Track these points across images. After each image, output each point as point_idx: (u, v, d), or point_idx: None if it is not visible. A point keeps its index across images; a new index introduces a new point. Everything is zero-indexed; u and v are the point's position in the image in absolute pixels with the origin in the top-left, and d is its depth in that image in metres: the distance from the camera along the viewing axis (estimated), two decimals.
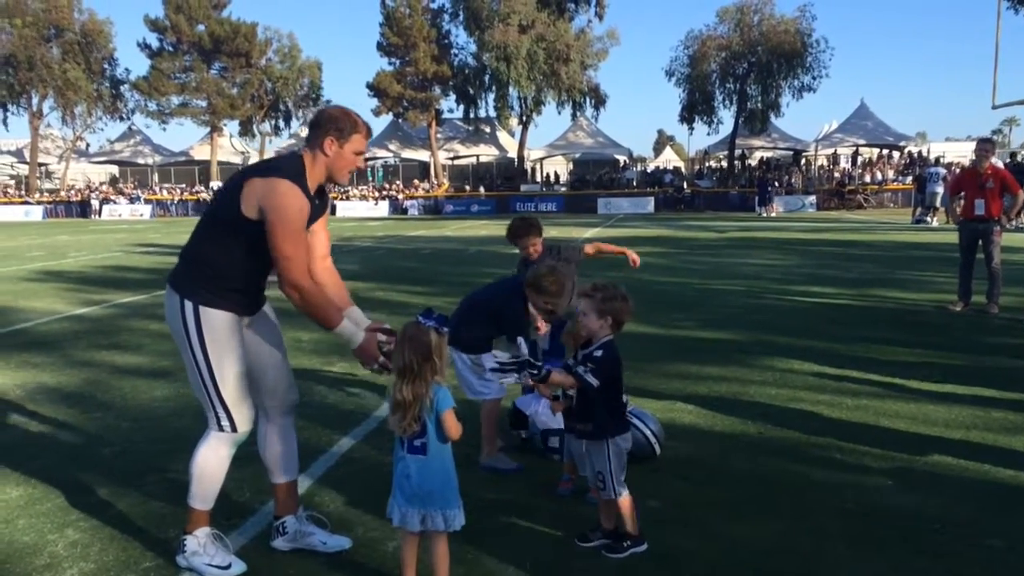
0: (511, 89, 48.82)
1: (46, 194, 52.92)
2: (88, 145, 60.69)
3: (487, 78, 50.22)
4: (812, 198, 41.87)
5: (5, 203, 51.07)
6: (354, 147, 3.33)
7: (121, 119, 56.78)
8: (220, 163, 55.33)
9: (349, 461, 4.68)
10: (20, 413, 5.76)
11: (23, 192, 53.48)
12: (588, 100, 51.92)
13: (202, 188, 52.91)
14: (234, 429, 3.34)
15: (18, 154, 59.19)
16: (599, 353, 3.45)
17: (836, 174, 46.24)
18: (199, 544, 3.34)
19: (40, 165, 56.31)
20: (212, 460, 3.37)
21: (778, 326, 8.66)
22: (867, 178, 43.91)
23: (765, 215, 36.50)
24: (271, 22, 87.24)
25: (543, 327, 4.74)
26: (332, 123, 3.27)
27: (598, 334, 3.50)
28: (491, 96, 51.44)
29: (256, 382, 3.48)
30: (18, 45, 49.42)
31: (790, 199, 41.92)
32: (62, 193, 52.76)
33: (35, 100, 52.57)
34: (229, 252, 3.22)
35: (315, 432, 5.18)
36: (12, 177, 58.94)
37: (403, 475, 2.96)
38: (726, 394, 5.99)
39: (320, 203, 3.45)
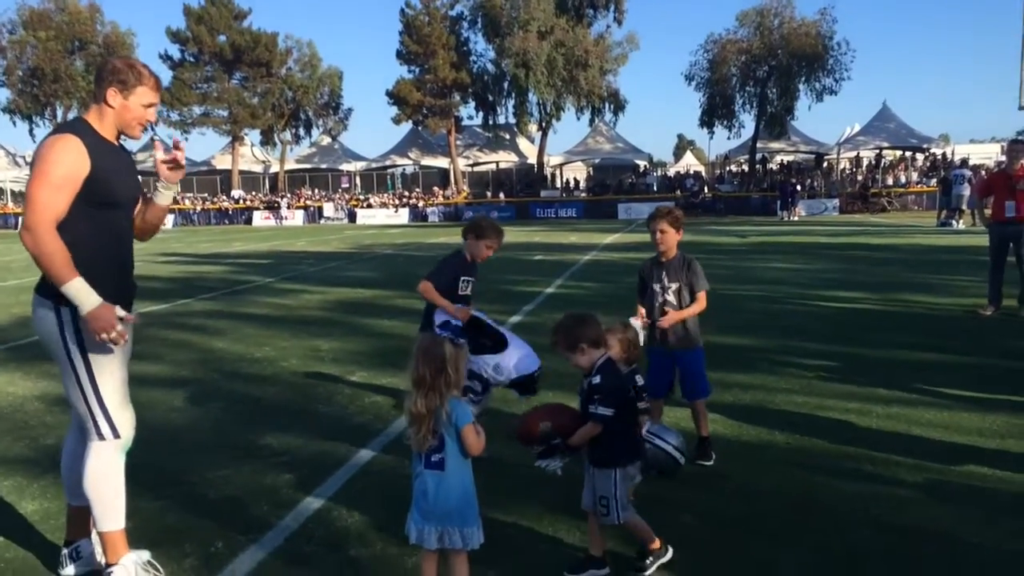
0: (530, 95, 48.86)
1: None
2: None
3: (506, 85, 50.29)
4: (835, 201, 41.49)
5: None
6: (140, 99, 3.21)
7: (144, 130, 57.20)
8: (242, 172, 55.75)
9: (367, 474, 4.59)
10: (38, 424, 5.73)
11: None
12: (607, 105, 51.84)
13: (224, 197, 53.29)
14: (116, 435, 3.20)
15: None
16: (597, 380, 3.30)
17: (859, 177, 45.79)
18: (126, 574, 3.19)
19: None
20: (104, 474, 3.19)
21: (804, 332, 8.50)
22: (890, 181, 43.45)
23: (787, 219, 36.17)
24: (291, 31, 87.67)
25: (460, 314, 4.94)
26: (114, 74, 3.16)
27: (590, 359, 3.35)
28: (510, 102, 51.54)
29: None
30: (43, 58, 50.03)
31: (812, 203, 41.56)
32: None
33: (60, 112, 53.15)
34: (74, 243, 3.04)
35: (333, 444, 5.11)
36: None
37: (421, 491, 2.87)
38: (752, 403, 5.86)
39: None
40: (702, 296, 4.77)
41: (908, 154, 48.08)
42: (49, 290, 3.10)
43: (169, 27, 53.28)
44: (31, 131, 54.23)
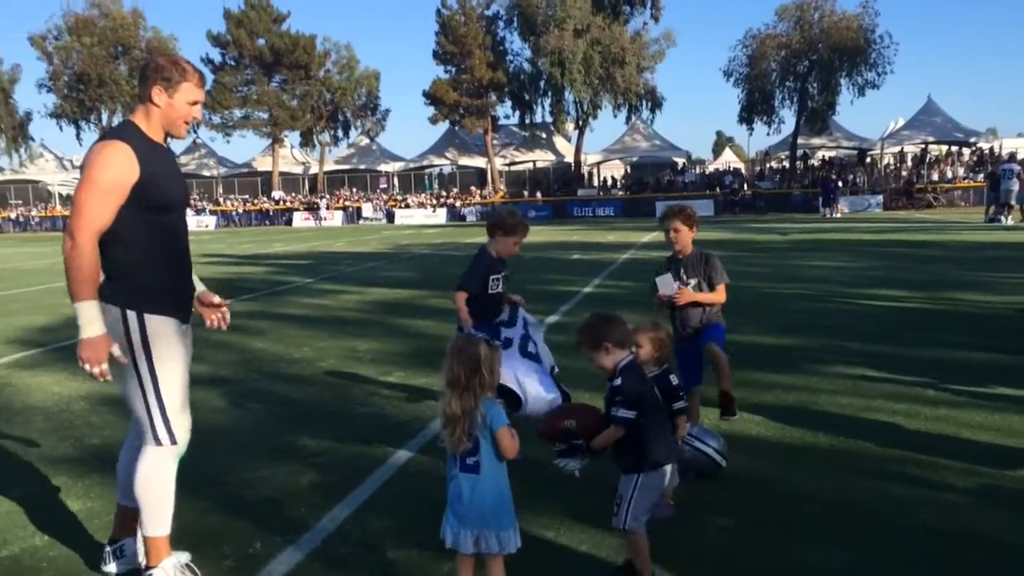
0: (567, 94, 48.70)
1: None
2: None
3: (542, 83, 50.22)
4: (878, 198, 40.77)
5: None
6: (186, 96, 3.17)
7: (190, 129, 58.14)
8: (282, 173, 56.38)
9: (404, 475, 4.57)
10: (83, 424, 5.82)
11: None
12: (644, 103, 51.49)
13: (264, 198, 53.94)
14: (173, 441, 3.20)
15: None
16: (619, 382, 3.22)
17: (903, 173, 44.97)
18: None
19: None
20: (157, 478, 3.21)
21: (848, 331, 8.34)
22: (936, 176, 42.59)
23: (829, 216, 35.62)
24: (329, 33, 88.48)
25: (468, 321, 4.89)
26: (159, 72, 3.12)
27: (614, 361, 3.27)
28: (547, 101, 51.48)
29: None
30: (88, 63, 51.08)
31: (855, 199, 40.90)
32: None
33: (105, 116, 54.23)
34: (130, 248, 3.08)
35: (370, 445, 5.11)
36: None
37: (455, 495, 2.84)
38: (794, 404, 5.75)
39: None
40: (721, 288, 4.74)
41: (954, 149, 47.12)
42: (115, 296, 3.11)
43: (210, 31, 54.18)
44: (78, 135, 55.44)
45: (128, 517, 3.46)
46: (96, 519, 4.05)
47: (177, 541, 3.52)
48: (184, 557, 3.35)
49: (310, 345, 8.58)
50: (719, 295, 4.73)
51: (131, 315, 3.10)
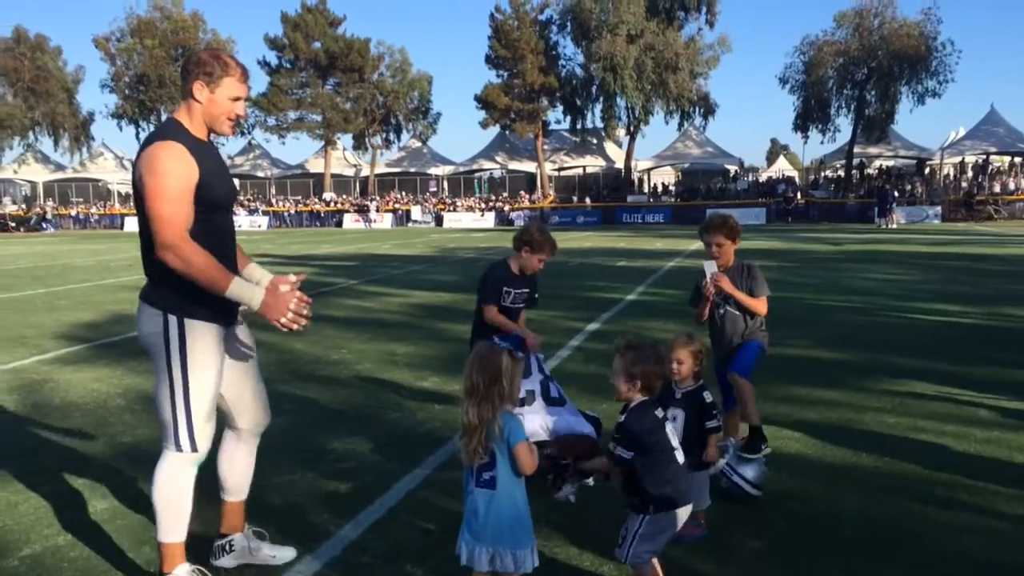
0: (618, 99, 48.42)
1: None
2: None
3: (594, 88, 50.06)
4: (937, 209, 39.79)
5: (135, 215, 53.85)
6: (228, 91, 3.10)
7: (241, 134, 59.30)
8: (333, 175, 57.03)
9: (430, 484, 4.49)
10: (118, 422, 5.86)
11: None
12: (697, 109, 51.03)
13: (316, 199, 54.59)
14: (194, 449, 3.16)
15: None
16: (622, 419, 3.09)
17: (963, 183, 43.77)
18: None
19: None
20: (175, 484, 3.17)
21: (898, 346, 8.06)
22: (997, 188, 41.38)
23: (885, 226, 34.80)
24: (383, 37, 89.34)
25: (530, 338, 4.80)
26: (200, 67, 3.06)
27: (631, 397, 3.13)
28: (598, 107, 51.37)
29: (235, 401, 3.40)
30: (149, 64, 52.36)
31: (913, 210, 39.94)
32: None
33: (164, 117, 55.37)
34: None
35: (399, 451, 5.05)
36: None
37: (472, 510, 2.76)
38: (838, 421, 5.54)
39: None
40: (762, 301, 4.55)
41: (1017, 160, 45.74)
42: (157, 299, 3.09)
43: (267, 34, 55.12)
44: (137, 135, 56.71)
45: (237, 513, 3.55)
46: (120, 519, 4.05)
47: (199, 544, 3.50)
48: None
49: (348, 347, 8.58)
50: (760, 304, 4.56)
51: (172, 319, 3.07)
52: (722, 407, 4.54)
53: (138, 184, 3.00)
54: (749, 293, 4.52)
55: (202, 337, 3.11)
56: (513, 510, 2.74)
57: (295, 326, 3.09)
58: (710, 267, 4.52)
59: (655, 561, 3.08)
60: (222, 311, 3.18)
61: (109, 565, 3.54)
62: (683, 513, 3.12)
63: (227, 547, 3.49)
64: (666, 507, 3.05)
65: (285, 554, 3.54)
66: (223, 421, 3.44)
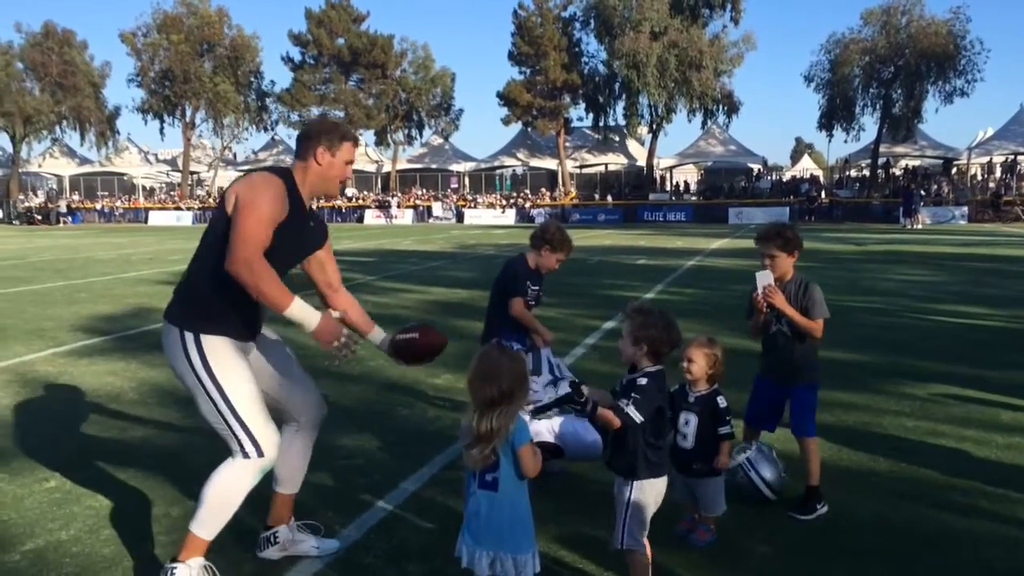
0: (641, 97, 48.15)
1: (197, 200, 56.00)
2: (235, 155, 63.96)
3: (617, 86, 49.85)
4: (963, 209, 39.26)
5: (159, 208, 54.53)
6: (344, 156, 3.36)
7: (265, 130, 59.67)
8: (355, 171, 57.03)
9: (437, 483, 4.44)
10: (128, 416, 5.86)
11: (176, 199, 56.82)
12: (720, 107, 50.65)
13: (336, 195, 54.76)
14: (260, 454, 3.16)
15: (172, 163, 63.17)
16: (643, 381, 3.06)
17: (991, 184, 43.16)
18: (190, 574, 3.14)
19: (191, 173, 59.74)
20: (232, 487, 3.19)
21: (919, 349, 7.92)
22: None
23: (910, 227, 34.37)
24: (407, 34, 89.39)
25: (546, 335, 4.89)
26: (323, 133, 3.31)
27: (639, 362, 3.14)
28: (620, 104, 51.11)
29: (287, 400, 3.48)
30: (174, 60, 52.73)
31: (939, 210, 39.44)
32: (211, 200, 55.81)
33: (188, 112, 55.88)
34: (215, 276, 3.09)
35: (407, 448, 5.01)
36: (166, 184, 62.78)
37: (473, 512, 2.70)
38: (855, 424, 5.44)
39: (317, 227, 3.51)
40: (818, 324, 4.20)
41: None
42: (175, 315, 3.19)
43: (291, 30, 55.41)
44: (161, 129, 57.29)
45: (286, 505, 3.59)
46: (124, 515, 4.03)
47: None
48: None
49: (362, 343, 8.52)
50: (815, 327, 4.18)
51: (188, 336, 3.15)
52: (746, 417, 4.40)
53: (231, 201, 3.10)
54: (804, 314, 4.18)
55: (220, 346, 3.16)
56: (515, 513, 2.67)
57: (342, 354, 3.25)
58: (763, 278, 4.15)
59: (648, 553, 3.10)
60: (239, 327, 3.24)
61: (110, 562, 3.52)
62: (662, 485, 3.15)
63: (272, 539, 3.55)
64: (657, 473, 3.11)
65: (328, 546, 3.59)
66: (280, 419, 3.47)
